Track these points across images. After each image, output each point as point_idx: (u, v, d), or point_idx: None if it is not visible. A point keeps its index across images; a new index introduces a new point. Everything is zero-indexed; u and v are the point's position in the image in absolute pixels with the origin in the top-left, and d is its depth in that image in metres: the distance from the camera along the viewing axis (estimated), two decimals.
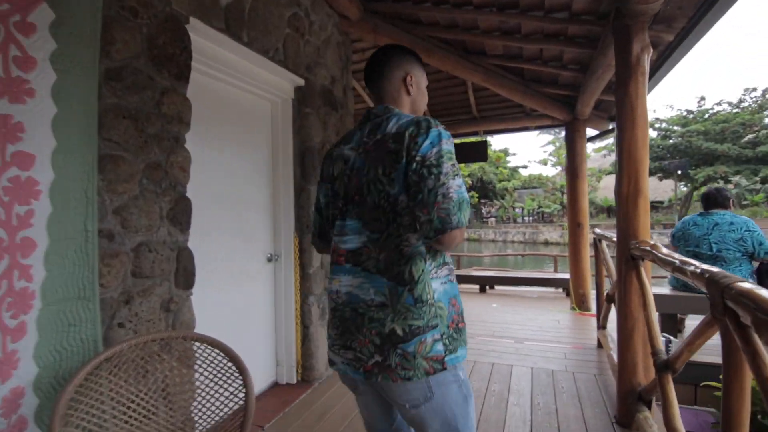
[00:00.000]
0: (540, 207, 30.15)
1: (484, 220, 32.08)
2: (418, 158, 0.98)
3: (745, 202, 30.44)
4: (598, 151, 31.31)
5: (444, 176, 0.96)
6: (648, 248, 1.95)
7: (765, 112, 22.25)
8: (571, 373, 2.96)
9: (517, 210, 30.87)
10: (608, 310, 3.15)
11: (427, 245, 1.02)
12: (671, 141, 23.67)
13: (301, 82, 2.91)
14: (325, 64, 3.16)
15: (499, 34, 3.53)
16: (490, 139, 5.64)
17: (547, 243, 28.08)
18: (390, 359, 0.99)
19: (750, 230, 2.87)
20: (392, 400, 1.06)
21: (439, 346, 1.00)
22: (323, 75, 3.13)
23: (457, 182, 0.97)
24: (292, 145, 2.93)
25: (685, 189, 25.31)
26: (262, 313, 2.78)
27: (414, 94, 1.20)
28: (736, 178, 24.74)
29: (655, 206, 31.85)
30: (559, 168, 28.54)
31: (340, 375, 1.17)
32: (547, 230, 29.18)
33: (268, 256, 2.82)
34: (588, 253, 4.84)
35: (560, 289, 5.94)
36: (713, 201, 3.08)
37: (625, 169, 2.25)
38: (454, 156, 1.01)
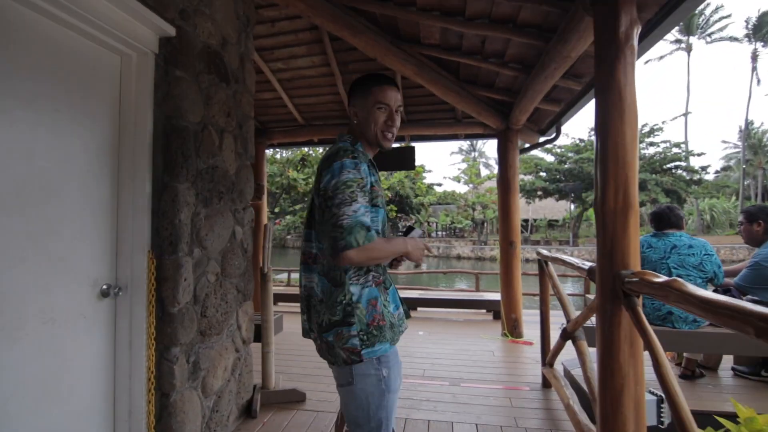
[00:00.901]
0: (453, 222, 31.13)
1: (400, 234, 32.10)
2: (321, 191, 1.22)
3: None
4: None
5: (336, 207, 1.15)
6: (656, 282, 1.39)
7: (641, 145, 25.47)
8: (523, 429, 2.37)
9: (432, 225, 31.51)
10: (560, 348, 2.65)
11: None
12: (566, 166, 25.97)
13: (171, 31, 1.99)
14: (211, 16, 2.27)
15: (438, 14, 2.95)
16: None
17: (459, 257, 28.98)
18: (322, 341, 1.27)
19: (708, 254, 2.57)
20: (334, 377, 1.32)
21: (355, 341, 1.21)
22: (207, 30, 2.23)
23: (352, 208, 1.15)
24: (151, 120, 1.98)
25: (575, 209, 27.89)
26: (88, 378, 1.76)
27: (358, 122, 1.36)
28: None
29: (552, 224, 34.84)
30: (471, 186, 29.83)
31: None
32: (459, 245, 30.17)
33: (103, 287, 1.82)
34: (520, 273, 4.45)
35: (485, 311, 5.53)
36: (666, 221, 2.77)
37: (611, 175, 1.70)
38: (354, 182, 1.18)
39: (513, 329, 4.34)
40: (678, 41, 35.33)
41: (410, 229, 1.48)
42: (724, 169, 45.04)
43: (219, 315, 2.32)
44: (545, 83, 3.04)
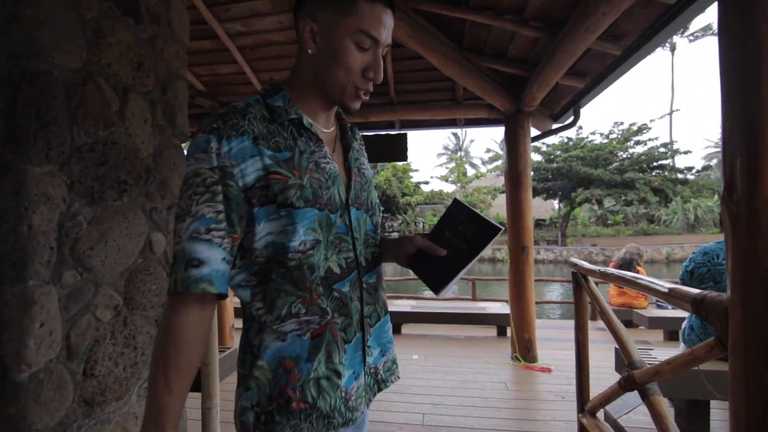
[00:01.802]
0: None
1: (387, 234, 31.37)
2: None
3: (609, 222, 34.68)
4: (493, 170, 32.96)
5: (176, 224, 0.70)
6: None
7: (628, 143, 25.24)
8: None
9: (419, 225, 30.83)
10: (614, 396, 1.92)
11: (255, 289, 0.76)
12: (555, 165, 25.59)
13: None
14: None
15: None
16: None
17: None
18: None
19: None
20: None
21: (250, 416, 0.73)
22: None
23: (183, 227, 0.68)
24: None
25: (563, 208, 27.60)
26: None
27: (315, 52, 0.76)
28: (608, 201, 27.77)
29: (539, 224, 34.56)
30: (458, 185, 29.29)
31: None
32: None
33: None
34: (533, 284, 3.73)
35: (488, 326, 4.80)
36: None
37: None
38: (199, 176, 0.68)
39: (526, 352, 3.62)
40: None
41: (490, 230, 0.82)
42: (705, 168, 45.64)
43: (120, 370, 1.52)
44: (582, 40, 2.31)
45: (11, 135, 1.19)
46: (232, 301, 4.18)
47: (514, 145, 3.71)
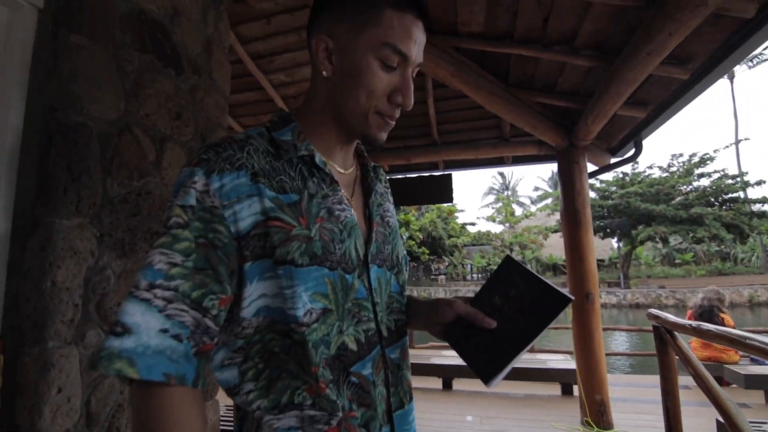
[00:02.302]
0: (489, 264, 29.47)
1: (433, 277, 30.73)
2: None
3: (677, 261, 31.88)
4: (543, 209, 31.83)
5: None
6: None
7: (691, 176, 23.54)
8: None
9: (466, 267, 29.92)
10: None
11: (244, 366, 0.58)
12: (611, 201, 24.25)
13: None
14: None
15: None
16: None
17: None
18: None
19: None
20: None
21: None
22: None
23: (146, 289, 0.50)
24: (21, 112, 1.18)
25: (623, 248, 25.78)
26: None
27: (334, 74, 0.62)
28: (674, 238, 25.70)
29: (598, 264, 32.43)
30: (506, 225, 28.43)
31: None
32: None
33: None
34: (602, 336, 3.30)
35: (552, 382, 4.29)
36: None
37: None
38: (170, 231, 0.53)
39: (599, 416, 3.14)
40: None
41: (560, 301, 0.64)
42: None
43: None
44: (645, 65, 2.10)
45: (43, 188, 1.16)
46: None
47: (569, 182, 3.43)
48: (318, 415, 0.56)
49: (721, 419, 1.89)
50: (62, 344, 1.14)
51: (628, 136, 3.43)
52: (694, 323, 1.61)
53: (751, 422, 1.85)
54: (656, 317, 1.94)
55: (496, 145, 3.79)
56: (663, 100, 2.78)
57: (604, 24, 2.27)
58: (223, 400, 3.57)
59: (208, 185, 0.55)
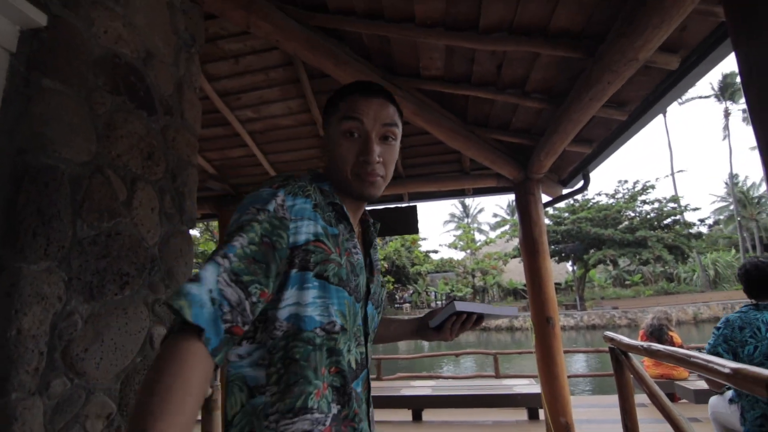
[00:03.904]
0: (452, 290, 29.80)
1: (398, 305, 30.64)
2: None
3: (627, 282, 33.62)
4: (502, 236, 32.86)
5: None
6: None
7: (635, 202, 25.28)
8: None
9: (430, 294, 30.10)
10: None
11: (270, 370, 0.67)
12: (563, 227, 25.49)
13: (41, 19, 1.25)
14: (125, 16, 1.56)
15: (443, 29, 2.31)
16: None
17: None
18: None
19: None
20: None
21: None
22: (116, 32, 1.51)
23: (208, 262, 0.61)
24: None
25: (577, 271, 26.95)
26: None
27: (327, 158, 0.86)
28: (622, 260, 27.17)
29: (555, 288, 33.58)
30: (468, 252, 29.07)
31: None
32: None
33: None
34: (563, 359, 3.44)
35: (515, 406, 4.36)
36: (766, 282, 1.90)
37: None
38: (244, 226, 0.66)
39: None
40: None
41: (451, 301, 0.93)
42: (715, 222, 45.06)
43: None
44: (587, 109, 2.33)
45: (11, 232, 1.14)
46: None
47: (526, 212, 3.64)
48: (320, 418, 0.66)
49: None
50: (26, 395, 1.09)
51: (577, 169, 3.71)
52: (646, 344, 1.75)
53: None
54: (612, 339, 2.08)
55: (458, 178, 3.98)
56: (605, 138, 3.05)
57: (551, 72, 2.51)
58: None
59: (284, 202, 0.71)
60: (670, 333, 4.76)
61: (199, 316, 0.55)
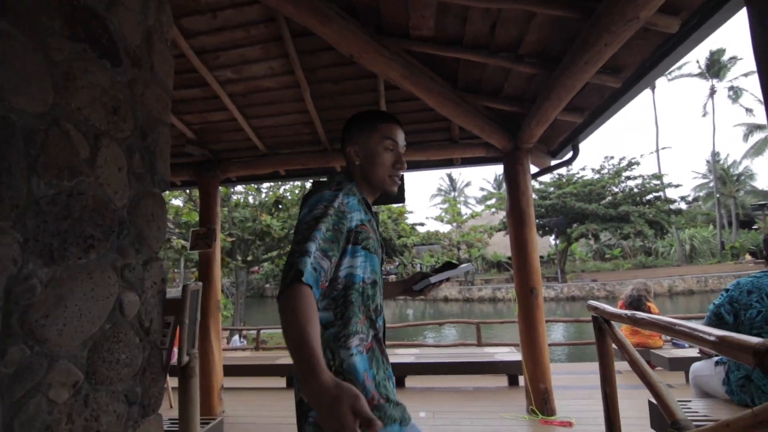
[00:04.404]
0: (438, 263, 30.18)
1: (383, 277, 30.78)
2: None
3: (607, 256, 34.47)
4: (488, 209, 33.12)
5: (295, 243, 0.96)
6: None
7: (621, 177, 25.57)
8: None
9: (416, 266, 30.43)
10: None
11: (336, 311, 1.03)
12: (549, 201, 25.75)
13: None
14: None
15: None
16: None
17: (447, 299, 27.78)
18: (304, 428, 0.97)
19: None
20: None
21: None
22: None
23: (305, 246, 0.93)
24: None
25: (560, 245, 27.47)
26: None
27: (361, 163, 1.19)
28: (603, 235, 27.76)
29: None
30: (454, 225, 29.27)
31: None
32: (445, 286, 29.05)
33: None
34: (545, 329, 3.49)
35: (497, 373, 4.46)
36: None
37: None
38: (320, 218, 0.98)
39: (543, 404, 3.32)
40: None
41: (449, 266, 1.34)
42: (695, 199, 46.11)
43: None
44: (582, 74, 2.25)
45: None
46: (221, 359, 3.88)
47: (515, 183, 3.60)
48: (366, 335, 1.04)
49: (653, 400, 2.06)
50: None
51: (567, 140, 3.65)
52: (629, 312, 1.74)
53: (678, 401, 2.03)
54: (595, 308, 2.08)
55: (446, 147, 3.89)
56: (597, 107, 2.98)
57: (546, 33, 2.40)
58: (166, 414, 3.35)
59: (343, 200, 1.04)
60: (648, 304, 4.87)
61: (309, 278, 0.88)
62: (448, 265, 1.31)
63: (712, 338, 1.20)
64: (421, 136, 3.92)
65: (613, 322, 2.03)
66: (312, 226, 0.95)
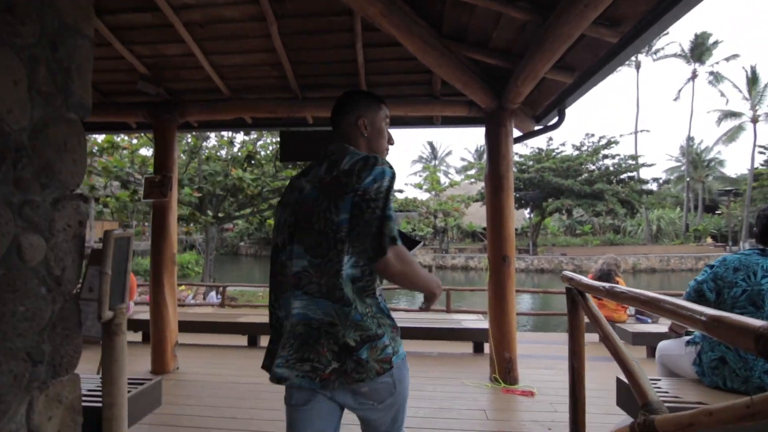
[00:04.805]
0: (414, 230, 30.30)
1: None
2: (360, 191, 1.12)
3: (578, 232, 35.43)
4: (467, 178, 33.13)
5: (380, 210, 1.12)
6: None
7: (599, 155, 25.83)
8: None
9: None
10: None
11: (363, 268, 1.17)
12: (527, 175, 25.89)
13: None
14: None
15: None
16: None
17: (420, 265, 28.04)
18: (346, 365, 1.12)
19: None
20: (353, 404, 1.19)
21: (388, 350, 1.16)
22: None
23: (382, 214, 1.12)
24: None
25: (534, 218, 27.94)
26: None
27: (368, 135, 1.32)
28: (576, 211, 28.35)
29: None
30: (432, 193, 29.21)
31: (291, 390, 1.22)
32: (420, 253, 29.35)
33: None
34: (514, 299, 3.41)
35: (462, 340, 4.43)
36: None
37: None
38: (392, 192, 1.17)
39: (506, 373, 3.28)
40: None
41: (413, 242, 1.42)
42: (665, 181, 47.43)
43: None
44: (580, 19, 2.00)
45: None
46: (176, 314, 3.66)
47: (495, 145, 3.40)
48: (380, 288, 1.23)
49: (622, 378, 1.99)
50: None
51: (553, 104, 3.45)
52: (608, 285, 1.61)
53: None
54: (570, 279, 1.95)
55: (427, 103, 3.62)
56: (590, 66, 2.77)
57: None
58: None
59: (392, 174, 1.19)
60: (617, 278, 4.89)
61: (398, 241, 1.14)
62: (401, 235, 1.28)
63: (703, 318, 1.05)
64: (401, 89, 3.63)
65: (587, 295, 1.90)
66: (387, 196, 1.14)
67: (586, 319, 1.93)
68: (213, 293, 9.95)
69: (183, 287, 10.14)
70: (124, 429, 1.57)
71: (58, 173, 1.36)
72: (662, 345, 2.19)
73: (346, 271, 1.11)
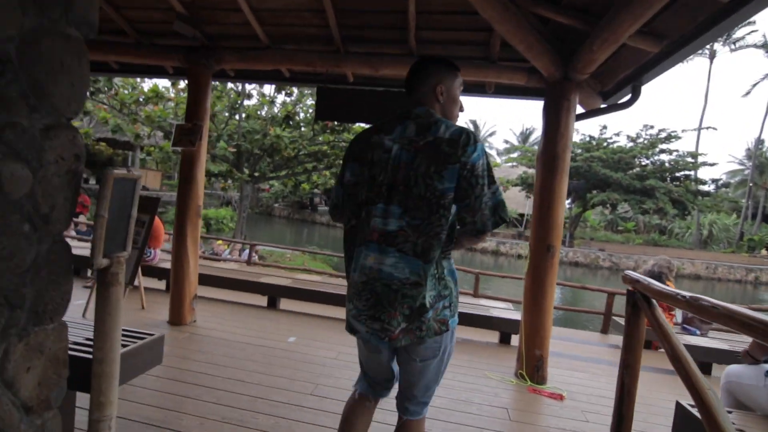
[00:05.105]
0: None
1: None
2: (468, 166, 1.21)
3: (619, 228, 33.68)
4: (509, 161, 31.92)
5: (487, 187, 1.23)
6: None
7: (656, 149, 24.04)
8: None
9: None
10: None
11: (450, 236, 1.27)
12: (573, 163, 24.55)
13: None
14: None
15: None
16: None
17: None
18: (413, 325, 1.22)
19: None
20: (410, 356, 1.30)
21: (447, 312, 1.27)
22: None
23: (496, 190, 1.26)
24: None
25: (575, 209, 26.69)
26: None
27: (443, 102, 1.36)
28: (621, 206, 26.83)
29: None
30: None
31: (363, 341, 1.35)
32: None
33: None
34: (554, 292, 3.09)
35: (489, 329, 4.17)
36: None
37: None
38: (491, 164, 1.28)
39: (535, 371, 3.01)
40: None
41: None
42: (725, 185, 44.01)
43: None
44: None
45: None
46: (197, 267, 3.60)
47: (554, 122, 3.01)
48: (451, 246, 1.32)
49: (685, 404, 1.69)
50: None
51: (627, 79, 3.00)
52: (689, 295, 1.30)
53: None
54: (636, 281, 1.64)
55: (480, 67, 3.24)
56: (684, 33, 2.32)
57: None
58: (139, 316, 3.14)
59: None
60: (668, 283, 4.45)
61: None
62: None
63: None
64: (454, 49, 3.27)
65: (654, 302, 1.59)
66: (491, 173, 1.24)
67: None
68: (247, 251, 10.07)
69: (220, 242, 10.34)
70: (114, 387, 1.44)
71: (51, 96, 1.18)
72: (733, 370, 1.86)
73: (443, 235, 1.21)
